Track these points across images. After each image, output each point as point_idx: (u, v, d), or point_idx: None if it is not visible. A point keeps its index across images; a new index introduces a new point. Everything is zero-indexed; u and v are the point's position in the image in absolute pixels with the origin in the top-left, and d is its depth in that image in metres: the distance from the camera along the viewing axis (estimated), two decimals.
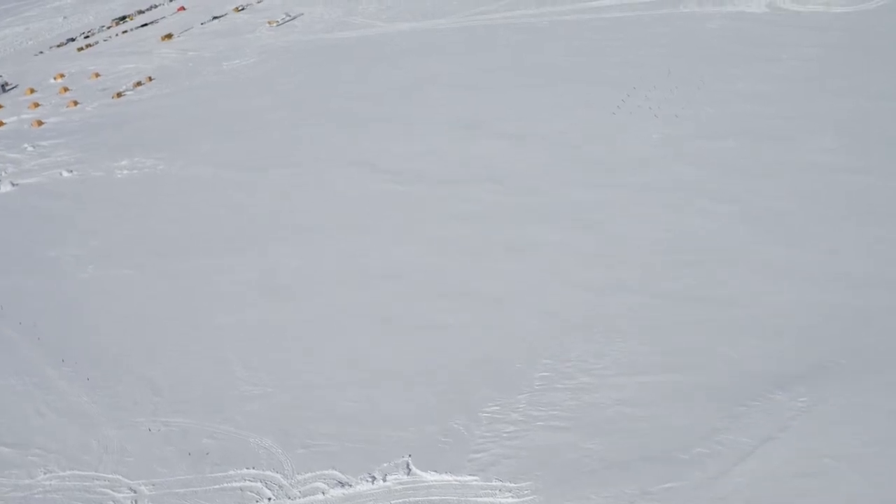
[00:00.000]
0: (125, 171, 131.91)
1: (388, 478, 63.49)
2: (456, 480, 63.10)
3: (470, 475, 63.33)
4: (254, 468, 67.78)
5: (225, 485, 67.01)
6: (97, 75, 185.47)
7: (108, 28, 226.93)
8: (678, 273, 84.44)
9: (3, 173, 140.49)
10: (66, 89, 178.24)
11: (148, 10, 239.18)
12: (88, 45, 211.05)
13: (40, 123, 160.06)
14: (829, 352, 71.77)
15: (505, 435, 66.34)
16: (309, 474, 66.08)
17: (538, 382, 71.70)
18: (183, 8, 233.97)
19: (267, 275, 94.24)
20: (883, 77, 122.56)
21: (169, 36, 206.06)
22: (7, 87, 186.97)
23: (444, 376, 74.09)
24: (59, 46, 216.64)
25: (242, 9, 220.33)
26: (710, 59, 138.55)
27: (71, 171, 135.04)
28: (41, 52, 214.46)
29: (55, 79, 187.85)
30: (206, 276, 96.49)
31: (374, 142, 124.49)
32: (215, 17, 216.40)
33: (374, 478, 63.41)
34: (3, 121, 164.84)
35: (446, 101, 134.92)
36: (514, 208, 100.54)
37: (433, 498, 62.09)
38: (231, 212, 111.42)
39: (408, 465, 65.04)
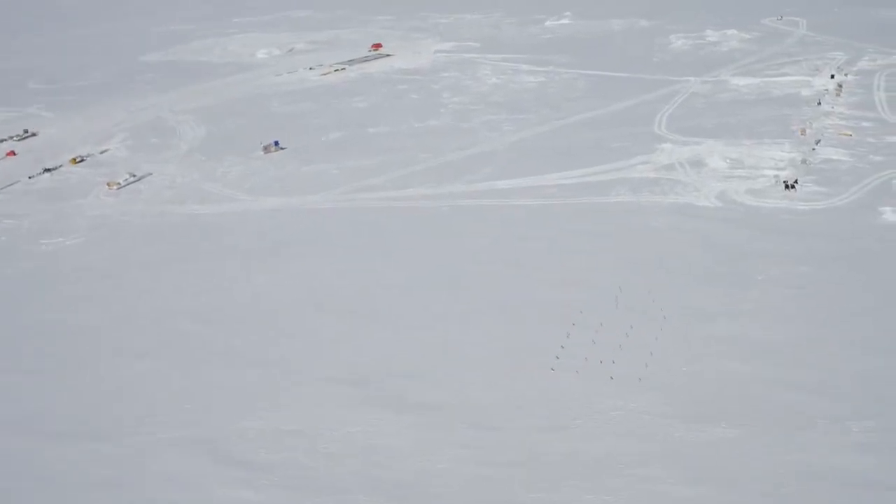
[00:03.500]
0: None
1: None
2: None
3: None
4: None
5: None
6: None
7: None
8: None
9: None
10: None
11: None
12: None
13: None
14: None
15: None
16: None
17: None
18: (13, 153, 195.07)
19: None
20: (887, 315, 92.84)
21: None
22: None
23: None
24: None
25: (81, 160, 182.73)
26: (666, 276, 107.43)
27: None
28: None
29: None
30: None
31: (224, 402, 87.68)
32: (47, 170, 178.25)
33: None
34: None
35: (325, 337, 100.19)
36: None
37: None
38: None
39: None
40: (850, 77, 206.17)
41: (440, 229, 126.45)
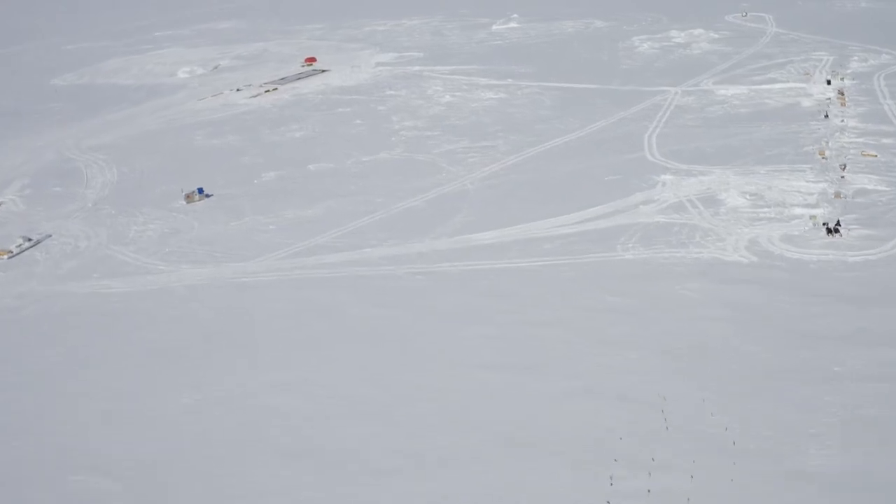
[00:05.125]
0: None
1: None
2: None
3: None
4: None
5: None
6: None
7: None
8: None
9: None
10: None
11: None
12: None
13: None
14: None
15: None
16: None
17: None
18: None
19: None
20: None
21: None
22: None
23: None
24: None
25: None
26: (718, 374, 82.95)
27: None
28: None
29: None
30: None
31: None
32: None
33: None
34: None
35: (271, 498, 71.07)
36: None
37: None
38: None
39: None
40: (847, 82, 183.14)
41: (413, 312, 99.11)
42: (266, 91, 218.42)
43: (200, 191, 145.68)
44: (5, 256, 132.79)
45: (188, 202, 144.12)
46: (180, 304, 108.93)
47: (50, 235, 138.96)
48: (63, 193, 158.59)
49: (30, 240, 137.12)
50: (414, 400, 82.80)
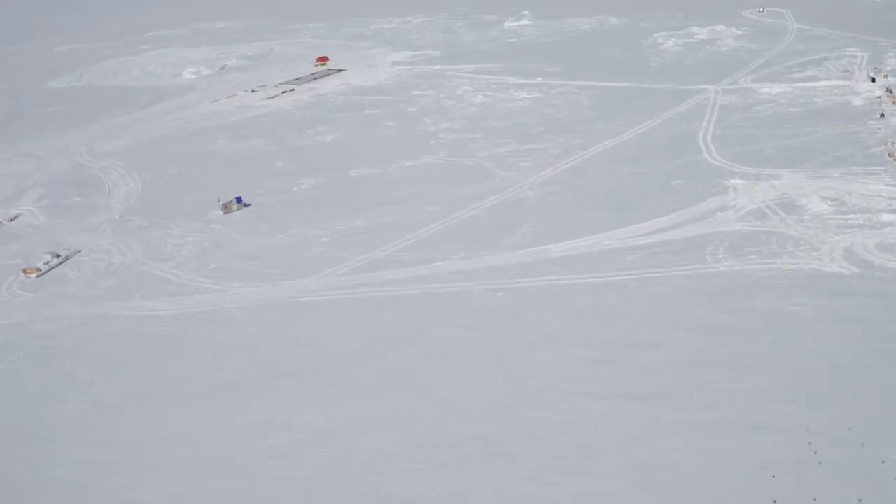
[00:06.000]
0: None
1: None
2: None
3: None
4: None
5: None
6: None
7: None
8: None
9: None
10: None
11: None
12: None
13: None
14: None
15: None
16: None
17: None
18: None
19: None
20: None
21: None
22: None
23: None
24: None
25: None
26: (852, 397, 77.03)
27: None
28: None
29: None
30: None
31: None
32: None
33: None
34: None
35: None
36: None
37: None
38: None
39: None
40: (891, 79, 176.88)
41: (500, 333, 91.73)
42: (283, 92, 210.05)
43: (238, 200, 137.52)
44: (33, 275, 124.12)
45: (226, 212, 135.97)
46: (238, 329, 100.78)
47: (79, 251, 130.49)
48: (84, 203, 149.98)
49: (58, 256, 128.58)
50: (528, 437, 75.20)
